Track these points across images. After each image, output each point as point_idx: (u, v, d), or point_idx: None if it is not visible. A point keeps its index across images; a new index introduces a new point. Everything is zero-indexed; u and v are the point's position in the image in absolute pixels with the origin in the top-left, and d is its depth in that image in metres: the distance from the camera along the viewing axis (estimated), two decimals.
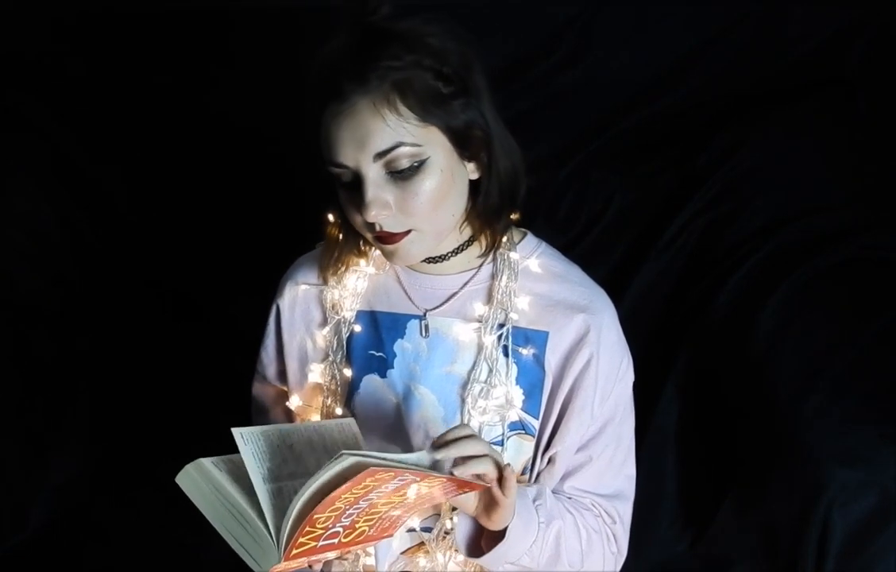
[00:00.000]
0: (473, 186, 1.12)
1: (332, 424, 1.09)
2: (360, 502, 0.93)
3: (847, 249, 1.60)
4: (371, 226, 1.07)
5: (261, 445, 0.98)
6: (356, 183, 1.05)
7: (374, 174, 1.03)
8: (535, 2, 1.82)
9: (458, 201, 1.10)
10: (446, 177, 1.06)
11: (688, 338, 1.61)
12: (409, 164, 1.03)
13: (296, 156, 1.15)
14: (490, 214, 1.13)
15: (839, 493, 1.29)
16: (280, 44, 1.81)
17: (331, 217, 1.18)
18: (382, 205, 1.04)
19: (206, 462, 0.96)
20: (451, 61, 1.05)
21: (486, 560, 1.06)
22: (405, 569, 1.16)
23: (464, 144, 1.07)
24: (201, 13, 1.82)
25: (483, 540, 1.06)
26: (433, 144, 1.05)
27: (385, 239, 1.08)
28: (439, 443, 0.96)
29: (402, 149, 1.02)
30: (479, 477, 0.97)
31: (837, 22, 1.79)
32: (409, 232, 1.07)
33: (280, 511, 0.94)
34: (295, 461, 1.01)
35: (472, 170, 1.11)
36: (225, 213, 1.84)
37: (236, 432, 0.96)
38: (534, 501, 1.09)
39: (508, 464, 0.99)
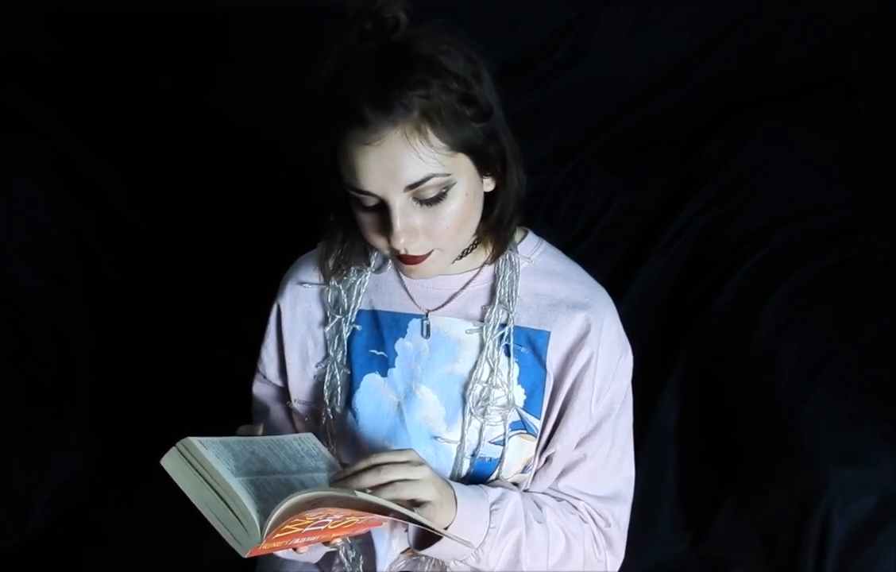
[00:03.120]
0: (487, 197, 1.12)
1: (291, 437, 1.09)
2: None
3: (847, 249, 1.60)
4: (394, 248, 1.06)
5: (222, 450, 0.98)
6: (379, 207, 1.04)
7: (402, 203, 1.02)
8: (535, 2, 1.82)
9: (477, 217, 1.11)
10: (469, 199, 1.06)
11: (688, 338, 1.61)
12: (438, 193, 1.03)
13: (297, 156, 1.14)
14: (502, 225, 1.13)
15: (839, 493, 1.29)
16: (281, 43, 1.81)
17: (331, 218, 1.17)
18: (411, 231, 1.04)
19: (195, 440, 0.96)
20: (471, 80, 1.03)
21: (430, 552, 1.06)
22: (405, 569, 1.16)
23: (483, 162, 1.07)
24: (202, 13, 1.82)
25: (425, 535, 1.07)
26: (459, 170, 1.04)
27: (406, 261, 1.08)
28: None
29: (433, 180, 1.01)
30: (414, 503, 1.00)
31: (837, 22, 1.80)
32: (430, 253, 1.07)
33: (259, 497, 0.94)
34: (260, 462, 1.01)
35: (487, 184, 1.10)
36: (226, 213, 1.84)
37: (195, 441, 0.96)
38: (492, 505, 1.08)
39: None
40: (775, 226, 1.64)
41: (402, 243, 1.04)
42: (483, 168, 1.07)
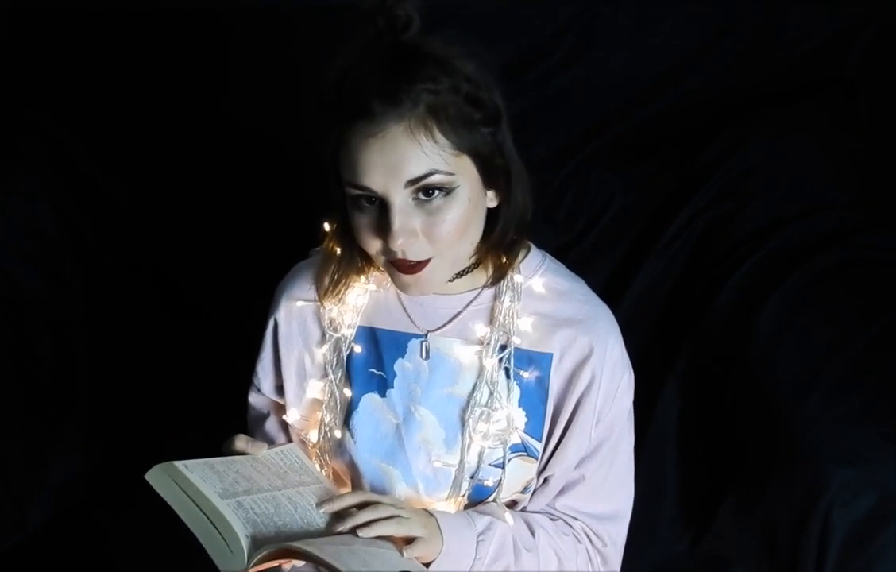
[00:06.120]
0: (490, 215, 1.10)
1: (273, 452, 1.08)
2: None
3: (847, 249, 1.60)
4: (391, 251, 1.03)
5: (207, 472, 0.97)
6: (378, 207, 1.02)
7: (401, 201, 1.00)
8: (535, 2, 1.82)
9: (478, 230, 1.08)
10: (471, 206, 1.04)
11: (688, 338, 1.60)
12: (439, 192, 1.01)
13: (298, 157, 1.14)
14: (503, 246, 1.11)
15: (839, 493, 1.29)
16: (282, 44, 1.81)
17: (326, 226, 1.15)
18: (410, 232, 1.01)
19: (178, 464, 0.95)
20: (482, 86, 1.02)
21: None
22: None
23: (488, 173, 1.05)
24: (203, 13, 1.82)
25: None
26: (463, 173, 1.02)
27: (404, 268, 1.04)
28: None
29: (435, 177, 0.99)
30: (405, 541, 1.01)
31: (837, 22, 1.80)
32: (429, 261, 1.04)
33: (248, 520, 0.94)
34: (246, 480, 1.00)
35: (490, 199, 1.08)
36: (226, 213, 1.84)
37: (179, 464, 0.95)
38: (478, 536, 1.07)
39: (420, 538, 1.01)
40: (775, 226, 1.64)
41: (400, 244, 1.01)
42: (487, 178, 1.05)
